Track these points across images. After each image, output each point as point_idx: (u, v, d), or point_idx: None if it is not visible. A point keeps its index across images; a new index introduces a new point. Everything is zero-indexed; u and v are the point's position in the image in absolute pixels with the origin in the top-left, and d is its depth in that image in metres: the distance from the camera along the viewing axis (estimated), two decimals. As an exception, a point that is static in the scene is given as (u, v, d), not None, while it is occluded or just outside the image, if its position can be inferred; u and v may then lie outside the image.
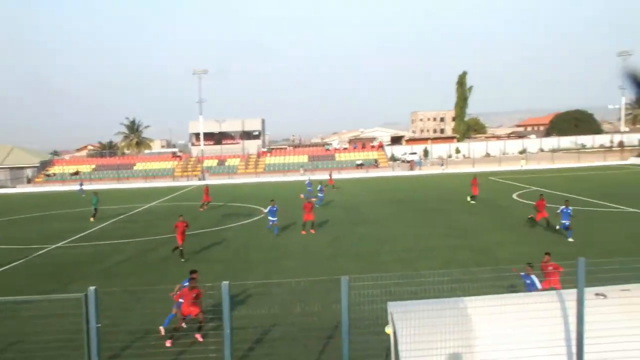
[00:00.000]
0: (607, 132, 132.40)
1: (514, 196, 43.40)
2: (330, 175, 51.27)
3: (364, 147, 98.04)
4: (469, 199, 40.72)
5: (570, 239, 24.85)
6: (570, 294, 9.01)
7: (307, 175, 71.88)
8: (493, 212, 35.13)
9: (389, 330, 16.93)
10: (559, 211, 26.29)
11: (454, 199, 43.08)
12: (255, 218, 37.61)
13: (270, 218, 30.53)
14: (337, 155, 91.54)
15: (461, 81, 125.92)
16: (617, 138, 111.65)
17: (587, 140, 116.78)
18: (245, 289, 18.38)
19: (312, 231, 30.40)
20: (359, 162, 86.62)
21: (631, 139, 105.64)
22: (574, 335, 8.70)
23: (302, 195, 45.60)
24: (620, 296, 9.29)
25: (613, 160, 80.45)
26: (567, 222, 25.33)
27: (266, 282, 19.12)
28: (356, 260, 23.17)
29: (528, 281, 14.42)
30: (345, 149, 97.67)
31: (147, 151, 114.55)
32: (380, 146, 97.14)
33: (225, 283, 8.80)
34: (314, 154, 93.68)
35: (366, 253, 24.56)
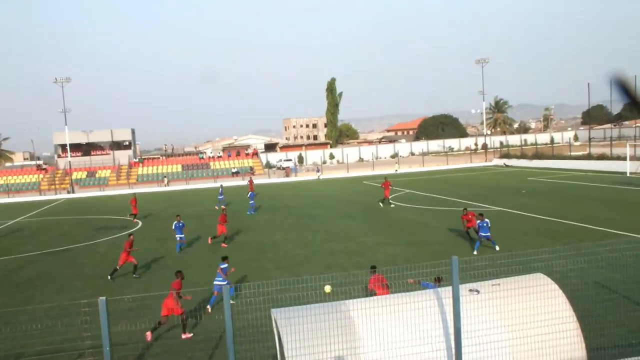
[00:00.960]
0: (471, 135, 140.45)
1: (389, 199, 44.89)
2: (250, 183, 51.40)
3: (238, 155, 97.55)
4: (381, 204, 40.46)
5: (497, 247, 23.54)
6: (447, 291, 9.44)
7: (219, 182, 70.51)
8: (369, 216, 36.14)
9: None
10: (477, 226, 24.31)
11: (331, 204, 43.89)
12: (131, 230, 36.31)
13: (177, 235, 28.31)
14: (212, 163, 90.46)
15: (331, 87, 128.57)
16: (481, 140, 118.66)
17: (454, 143, 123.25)
18: (124, 303, 17.69)
19: (223, 245, 28.48)
20: (234, 170, 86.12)
21: (493, 141, 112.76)
22: (451, 331, 9.11)
23: (217, 207, 44.83)
24: (491, 290, 9.85)
25: (478, 162, 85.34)
26: (487, 234, 24.14)
27: (146, 295, 18.48)
28: (237, 269, 22.99)
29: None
30: (219, 157, 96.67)
31: (8, 164, 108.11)
32: (255, 153, 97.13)
33: (102, 299, 8.41)
34: (188, 162, 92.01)
35: (247, 261, 24.43)
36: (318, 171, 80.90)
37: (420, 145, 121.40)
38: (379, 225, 31.92)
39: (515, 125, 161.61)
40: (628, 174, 53.19)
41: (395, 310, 9.31)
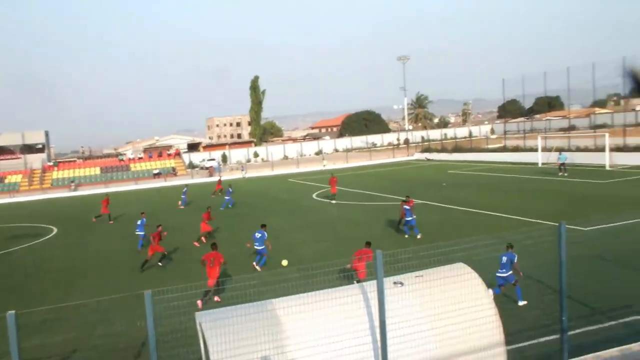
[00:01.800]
0: (394, 131, 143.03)
1: (314, 196, 45.12)
2: (219, 182, 50.62)
3: (160, 155, 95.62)
4: (334, 202, 40.50)
5: (419, 236, 24.84)
6: (372, 285, 9.54)
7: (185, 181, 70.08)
8: (295, 213, 36.22)
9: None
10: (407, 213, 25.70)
11: (256, 203, 43.69)
12: (45, 238, 34.95)
13: (137, 232, 28.70)
14: (132, 165, 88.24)
15: (254, 85, 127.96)
16: (403, 136, 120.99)
17: (377, 139, 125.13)
18: (38, 315, 16.99)
19: (203, 240, 28.60)
20: (156, 172, 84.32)
21: (415, 136, 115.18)
22: (377, 324, 9.22)
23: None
24: (415, 282, 10.04)
25: (401, 157, 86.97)
26: (412, 220, 25.50)
27: (62, 305, 17.82)
28: (160, 271, 22.53)
29: None
30: (140, 158, 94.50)
31: None
32: (177, 154, 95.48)
33: (10, 313, 8.05)
34: (107, 165, 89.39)
35: (174, 262, 23.97)
36: (243, 170, 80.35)
37: (344, 142, 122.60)
38: (306, 222, 32.03)
39: (436, 120, 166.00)
40: (540, 165, 55.63)
41: (322, 306, 9.34)
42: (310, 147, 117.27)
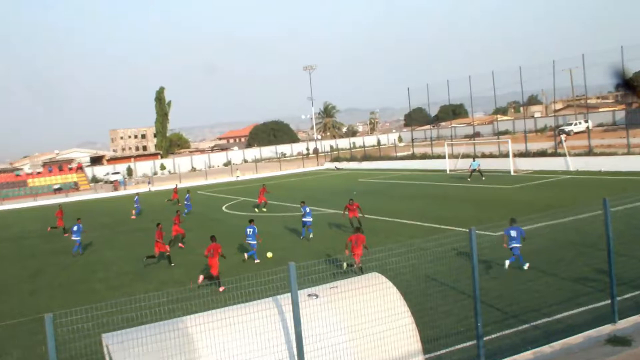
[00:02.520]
0: (303, 141, 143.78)
1: (224, 208, 44.55)
2: (175, 190, 49.07)
3: (61, 169, 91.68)
4: (257, 209, 40.69)
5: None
6: (287, 298, 9.39)
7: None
8: (205, 226, 35.59)
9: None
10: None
11: (165, 216, 42.63)
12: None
13: (74, 238, 30.02)
14: (30, 180, 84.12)
15: (159, 97, 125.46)
16: (312, 145, 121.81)
17: (287, 149, 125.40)
18: None
19: (181, 245, 29.47)
20: (56, 187, 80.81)
21: (324, 145, 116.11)
22: (293, 337, 9.07)
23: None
24: (330, 294, 9.96)
25: (311, 166, 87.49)
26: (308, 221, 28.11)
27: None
28: (63, 293, 21.46)
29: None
30: (39, 173, 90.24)
31: None
32: (80, 167, 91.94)
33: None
34: (2, 181, 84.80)
35: (74, 283, 22.91)
36: (149, 183, 78.35)
37: (253, 152, 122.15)
38: (217, 236, 31.55)
39: (344, 129, 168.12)
40: (448, 172, 57.43)
41: (236, 322, 9.11)
42: (219, 158, 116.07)
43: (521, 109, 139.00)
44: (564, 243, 20.72)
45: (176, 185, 62.21)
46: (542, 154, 53.48)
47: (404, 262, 13.71)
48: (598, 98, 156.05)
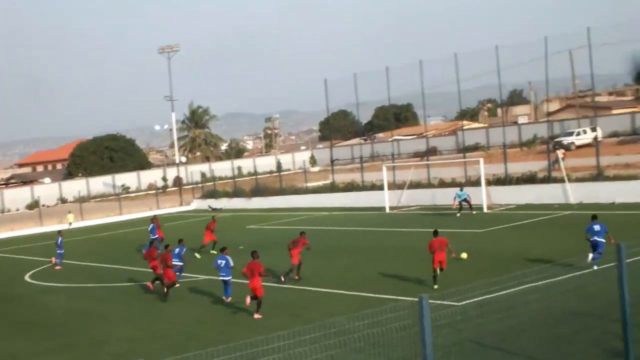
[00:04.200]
0: (157, 165, 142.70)
1: (28, 278, 43.68)
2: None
3: None
4: (197, 255, 42.59)
5: None
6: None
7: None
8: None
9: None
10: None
11: None
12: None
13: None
14: None
15: None
16: (172, 173, 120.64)
17: (131, 179, 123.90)
18: None
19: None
20: None
21: (192, 172, 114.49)
22: None
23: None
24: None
25: (171, 207, 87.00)
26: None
27: None
28: None
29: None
30: None
31: None
32: None
33: None
34: None
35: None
36: None
37: (76, 186, 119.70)
38: (16, 321, 30.90)
39: (224, 146, 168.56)
40: (387, 210, 58.07)
41: None
42: (19, 196, 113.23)
43: (499, 111, 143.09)
44: (560, 313, 21.49)
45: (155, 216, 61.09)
46: (530, 179, 55.21)
47: (318, 354, 13.92)
48: (611, 94, 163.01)
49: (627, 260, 13.31)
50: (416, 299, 11.37)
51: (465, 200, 49.33)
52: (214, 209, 79.60)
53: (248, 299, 26.44)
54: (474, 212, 48.90)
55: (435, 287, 27.51)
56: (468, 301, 21.00)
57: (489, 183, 54.96)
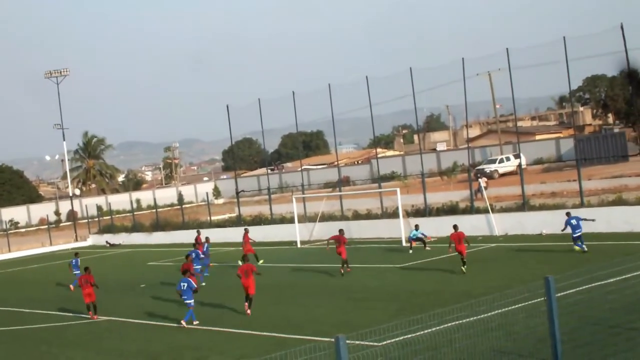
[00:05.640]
0: (49, 199, 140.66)
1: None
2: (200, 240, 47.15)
3: None
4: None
5: None
6: None
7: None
8: None
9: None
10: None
11: None
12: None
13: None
14: None
15: None
16: (66, 206, 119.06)
17: (19, 213, 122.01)
18: None
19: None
20: None
21: (87, 205, 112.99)
22: None
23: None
24: None
25: (65, 243, 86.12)
26: None
27: None
28: None
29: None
30: None
31: None
32: None
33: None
34: None
35: None
36: None
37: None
38: None
39: (122, 177, 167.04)
40: (299, 245, 58.01)
41: None
42: None
43: (415, 137, 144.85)
44: (488, 352, 21.65)
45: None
46: (452, 210, 55.69)
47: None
48: (534, 119, 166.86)
49: (557, 295, 13.46)
50: (332, 340, 11.31)
51: (419, 238, 48.57)
52: (112, 245, 78.72)
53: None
54: (427, 248, 48.48)
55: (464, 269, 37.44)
56: (389, 341, 20.97)
57: (407, 215, 55.27)
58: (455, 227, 39.73)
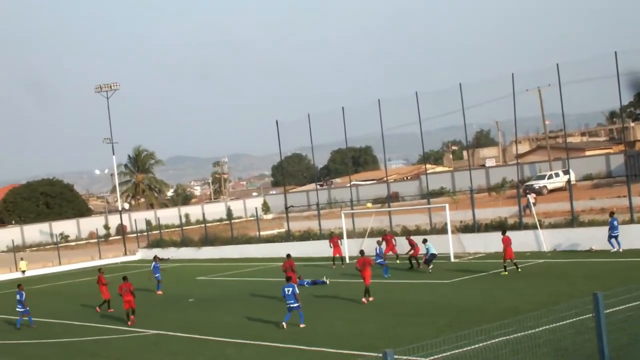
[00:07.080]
0: (98, 212, 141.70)
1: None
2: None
3: None
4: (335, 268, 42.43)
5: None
6: None
7: None
8: None
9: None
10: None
11: None
12: None
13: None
14: None
15: None
16: (115, 220, 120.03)
17: (69, 227, 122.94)
18: None
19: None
20: None
21: (137, 219, 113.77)
22: None
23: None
24: None
25: (113, 257, 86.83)
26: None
27: None
28: None
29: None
30: None
31: None
32: None
33: None
34: None
35: None
36: None
37: (10, 234, 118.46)
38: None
39: (170, 192, 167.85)
40: (347, 260, 57.94)
41: None
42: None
43: (465, 153, 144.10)
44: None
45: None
46: (500, 226, 55.05)
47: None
48: (583, 135, 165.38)
49: (606, 311, 13.37)
50: (380, 354, 11.34)
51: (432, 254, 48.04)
52: (161, 259, 79.25)
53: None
54: (420, 267, 48.41)
55: (506, 273, 42.02)
56: (437, 356, 20.92)
57: (456, 230, 55.15)
58: (503, 231, 45.12)
